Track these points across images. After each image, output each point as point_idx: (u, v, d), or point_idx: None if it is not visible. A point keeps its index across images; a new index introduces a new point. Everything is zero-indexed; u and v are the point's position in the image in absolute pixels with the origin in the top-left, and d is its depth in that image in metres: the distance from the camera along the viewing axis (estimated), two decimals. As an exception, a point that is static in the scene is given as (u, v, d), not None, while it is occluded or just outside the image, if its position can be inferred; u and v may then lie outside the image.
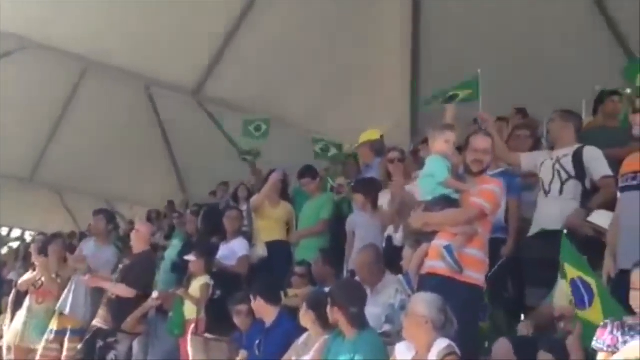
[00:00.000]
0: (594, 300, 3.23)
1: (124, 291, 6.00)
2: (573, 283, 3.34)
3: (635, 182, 3.62)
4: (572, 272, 3.36)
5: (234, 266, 5.88)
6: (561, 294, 3.63)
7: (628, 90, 5.84)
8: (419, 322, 3.32)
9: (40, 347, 6.42)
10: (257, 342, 4.75)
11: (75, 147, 11.01)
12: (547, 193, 4.44)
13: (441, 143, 3.89)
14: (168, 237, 8.60)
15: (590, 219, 4.05)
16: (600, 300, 3.21)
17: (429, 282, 3.65)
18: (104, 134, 10.67)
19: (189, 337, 5.44)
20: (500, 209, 4.16)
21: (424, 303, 3.35)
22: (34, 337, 6.63)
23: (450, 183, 3.79)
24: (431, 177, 3.84)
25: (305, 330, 4.41)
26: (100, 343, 5.88)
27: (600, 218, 3.99)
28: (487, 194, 3.77)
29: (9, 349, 7.04)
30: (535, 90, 7.44)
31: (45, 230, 10.71)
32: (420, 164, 5.18)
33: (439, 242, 3.72)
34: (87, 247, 6.76)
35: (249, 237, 6.71)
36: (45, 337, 6.40)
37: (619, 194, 3.81)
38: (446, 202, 3.78)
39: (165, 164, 11.75)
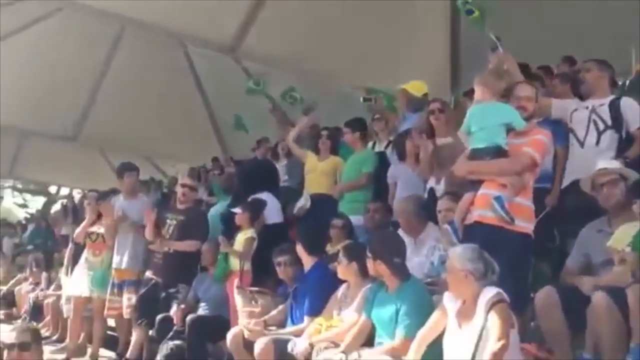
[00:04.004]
0: None
1: (192, 246, 6.15)
2: None
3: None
4: None
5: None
6: (624, 236, 3.56)
7: None
8: (459, 277, 3.35)
9: (106, 301, 6.67)
10: (293, 289, 4.85)
11: (116, 106, 11.18)
12: (582, 144, 4.40)
13: (496, 90, 3.85)
14: (212, 193, 8.76)
15: None
16: None
17: (478, 231, 3.66)
18: (143, 93, 10.80)
19: (235, 289, 5.58)
20: (549, 158, 4.14)
21: (459, 257, 3.37)
22: (92, 288, 6.88)
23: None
24: (491, 125, 3.80)
25: (340, 281, 4.47)
26: (162, 294, 6.08)
27: None
28: (537, 143, 3.76)
29: (68, 299, 7.36)
30: (581, 37, 7.22)
31: (90, 188, 10.97)
32: (462, 114, 5.15)
33: (487, 192, 3.71)
34: (118, 203, 6.88)
35: (291, 191, 6.83)
36: (109, 290, 6.64)
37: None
38: (497, 151, 3.76)
39: (205, 121, 11.87)
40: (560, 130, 4.59)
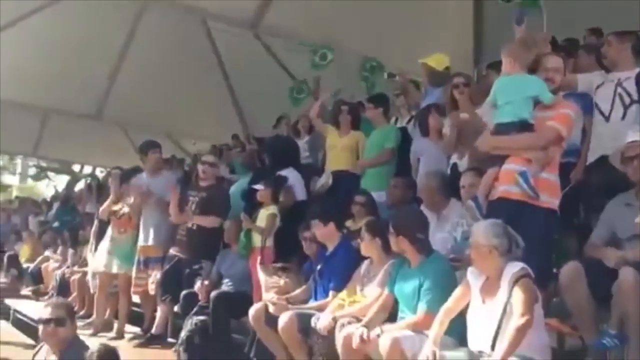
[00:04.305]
0: None
1: (212, 222, 6.20)
2: None
3: None
4: None
5: (282, 202, 5.92)
6: None
7: None
8: (483, 253, 3.33)
9: (131, 277, 6.76)
10: (318, 268, 4.83)
11: (138, 84, 11.20)
12: (607, 118, 4.31)
13: (525, 62, 3.79)
14: (233, 170, 8.79)
15: None
16: None
17: (502, 206, 3.63)
18: (164, 70, 10.79)
19: (258, 266, 5.60)
20: (576, 132, 4.08)
21: (483, 233, 3.36)
22: (118, 264, 6.98)
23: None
24: (518, 99, 3.74)
25: (363, 257, 4.46)
26: (186, 271, 6.14)
27: None
28: (563, 117, 3.70)
29: (94, 275, 7.47)
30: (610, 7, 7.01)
31: (113, 166, 11.07)
32: (487, 88, 5.08)
33: (512, 167, 3.68)
34: (142, 181, 6.91)
35: (312, 169, 6.82)
36: (135, 267, 6.72)
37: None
38: (522, 126, 3.72)
39: (226, 98, 11.86)
40: (587, 104, 4.51)
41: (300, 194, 6.12)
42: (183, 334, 5.52)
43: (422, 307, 3.71)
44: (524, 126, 3.71)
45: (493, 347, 3.14)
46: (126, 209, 7.03)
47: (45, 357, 4.10)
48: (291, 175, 6.10)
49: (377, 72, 7.81)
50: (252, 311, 4.83)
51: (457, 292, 3.48)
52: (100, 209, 7.58)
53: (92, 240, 7.96)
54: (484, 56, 8.03)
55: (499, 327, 3.17)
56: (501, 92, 3.83)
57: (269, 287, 5.18)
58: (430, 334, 3.40)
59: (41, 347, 4.25)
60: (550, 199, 3.67)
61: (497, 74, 4.32)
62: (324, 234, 4.85)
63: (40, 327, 4.03)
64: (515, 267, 3.24)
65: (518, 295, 3.15)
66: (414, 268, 3.90)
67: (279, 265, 5.47)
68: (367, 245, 4.36)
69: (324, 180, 6.12)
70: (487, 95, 3.96)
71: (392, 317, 3.99)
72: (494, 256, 3.30)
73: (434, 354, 3.20)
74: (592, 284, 3.42)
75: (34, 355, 4.25)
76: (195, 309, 5.68)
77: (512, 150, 3.73)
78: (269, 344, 4.73)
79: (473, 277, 3.43)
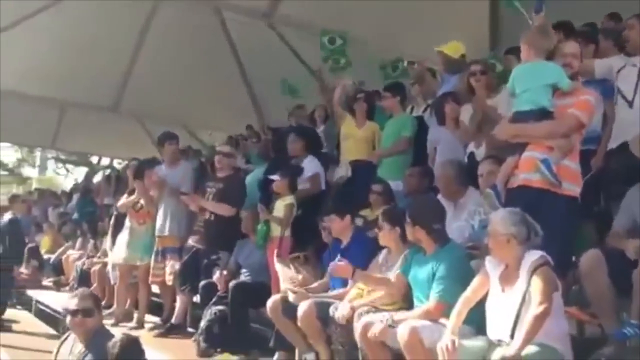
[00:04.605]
0: None
1: (226, 210, 6.24)
2: None
3: None
4: None
5: (308, 189, 6.00)
6: None
7: None
8: (501, 242, 3.31)
9: (150, 269, 6.83)
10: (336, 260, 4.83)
11: (153, 76, 11.24)
12: (630, 104, 4.24)
13: (543, 49, 3.75)
14: (249, 161, 8.82)
15: None
16: None
17: (522, 194, 3.61)
18: (180, 62, 10.81)
19: (275, 258, 5.63)
20: (596, 118, 4.04)
21: (501, 221, 3.33)
22: (137, 255, 7.06)
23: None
24: (536, 87, 3.71)
25: (379, 248, 4.47)
26: (204, 261, 6.19)
27: None
28: (583, 104, 3.67)
29: (113, 267, 7.56)
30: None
31: (130, 157, 11.15)
32: (503, 76, 5.04)
33: (533, 154, 3.65)
34: (161, 172, 6.98)
35: (329, 158, 6.82)
36: (153, 258, 6.80)
37: None
38: (542, 114, 3.68)
39: (241, 89, 11.87)
40: (607, 90, 4.45)
41: (323, 183, 6.19)
42: (202, 323, 5.58)
43: (434, 297, 3.72)
44: (543, 114, 3.68)
45: (512, 335, 3.13)
46: (144, 201, 7.07)
47: (72, 346, 4.15)
48: (315, 164, 6.15)
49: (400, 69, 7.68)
50: (269, 303, 4.85)
51: (476, 281, 3.47)
52: (119, 203, 7.66)
53: (110, 231, 8.05)
54: (501, 43, 7.94)
55: (517, 316, 3.16)
56: (519, 80, 3.80)
57: (286, 280, 5.20)
58: (449, 323, 3.40)
59: (68, 336, 4.31)
60: (572, 187, 3.65)
61: (517, 60, 4.28)
62: (339, 227, 4.87)
63: (68, 318, 4.09)
64: (534, 256, 3.22)
65: (536, 283, 3.13)
66: (429, 256, 3.91)
67: (295, 255, 5.48)
68: (386, 235, 4.34)
69: (343, 172, 6.13)
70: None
71: (410, 304, 4.00)
72: (512, 245, 3.29)
73: (453, 343, 3.20)
74: (613, 273, 3.38)
75: (61, 344, 4.31)
76: (214, 299, 5.73)
77: (532, 138, 3.69)
78: (288, 334, 4.76)
79: (492, 266, 3.42)
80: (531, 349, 3.03)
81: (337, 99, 6.48)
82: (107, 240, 8.33)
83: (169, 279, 6.61)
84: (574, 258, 3.77)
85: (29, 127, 13.32)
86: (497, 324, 3.28)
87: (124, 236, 7.22)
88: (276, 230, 5.74)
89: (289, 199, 5.75)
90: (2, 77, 10.57)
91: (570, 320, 3.49)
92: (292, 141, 6.37)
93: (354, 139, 6.23)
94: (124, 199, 7.46)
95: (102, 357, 3.82)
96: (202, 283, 6.04)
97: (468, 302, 3.45)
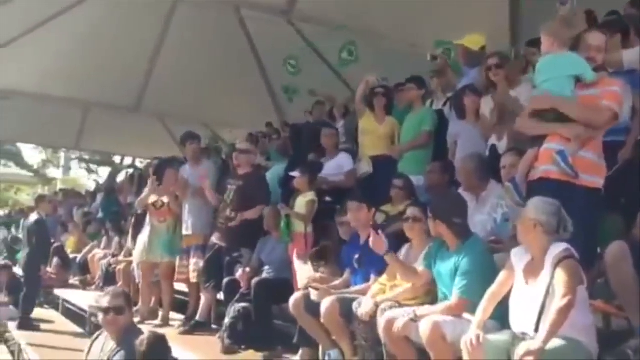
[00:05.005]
0: None
1: (256, 212, 6.26)
2: None
3: None
4: None
5: (342, 181, 6.06)
6: None
7: None
8: (528, 227, 3.30)
9: (175, 266, 6.93)
10: (357, 256, 4.81)
11: (174, 75, 11.32)
12: None
13: (565, 40, 3.70)
14: (269, 158, 8.84)
15: None
16: None
17: (543, 187, 3.57)
18: (200, 60, 10.88)
19: (294, 255, 5.65)
20: (625, 107, 3.97)
21: (533, 207, 3.32)
22: (159, 253, 7.12)
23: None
24: (559, 77, 3.67)
25: (400, 243, 4.46)
26: (226, 259, 6.24)
27: None
28: (613, 95, 3.62)
29: (137, 265, 7.60)
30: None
31: (153, 156, 11.25)
32: (525, 68, 4.99)
33: (551, 146, 3.62)
34: (184, 171, 7.10)
35: (351, 153, 6.81)
36: (178, 257, 6.89)
37: None
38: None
39: (261, 86, 11.90)
40: (636, 80, 4.34)
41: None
42: (226, 320, 5.62)
43: (456, 292, 3.72)
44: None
45: (537, 329, 3.11)
46: (165, 199, 7.14)
47: (103, 344, 4.22)
48: (351, 160, 6.27)
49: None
50: (292, 301, 4.87)
51: (502, 276, 3.44)
52: (137, 200, 7.74)
53: (132, 231, 8.12)
54: (521, 34, 7.85)
55: (542, 309, 3.13)
56: (542, 71, 3.77)
57: (304, 279, 5.20)
58: (475, 318, 3.38)
59: (100, 333, 4.38)
60: (592, 178, 3.60)
61: (539, 52, 4.21)
62: (366, 218, 4.82)
63: (100, 316, 4.15)
64: (558, 248, 3.19)
65: (560, 276, 3.10)
66: (452, 251, 3.89)
67: (314, 250, 5.48)
68: (412, 227, 4.31)
69: (366, 168, 6.12)
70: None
71: (434, 299, 3.99)
72: (537, 232, 3.26)
73: (478, 338, 3.19)
74: (639, 265, 3.34)
75: (92, 342, 4.38)
76: (237, 296, 5.76)
77: (567, 112, 3.60)
78: (311, 331, 4.78)
79: (517, 259, 3.39)
80: (556, 342, 3.01)
81: (360, 95, 6.47)
82: (130, 238, 8.41)
83: (193, 277, 6.67)
84: (599, 250, 3.73)
85: (53, 128, 13.51)
86: (522, 317, 3.26)
87: (144, 234, 7.28)
88: (299, 227, 5.75)
89: (310, 195, 5.76)
90: (27, 79, 10.73)
91: (596, 312, 3.46)
92: (328, 135, 6.40)
93: (375, 135, 6.23)
94: (142, 196, 7.51)
95: (132, 354, 3.88)
96: (226, 280, 6.08)
97: (494, 297, 3.43)
